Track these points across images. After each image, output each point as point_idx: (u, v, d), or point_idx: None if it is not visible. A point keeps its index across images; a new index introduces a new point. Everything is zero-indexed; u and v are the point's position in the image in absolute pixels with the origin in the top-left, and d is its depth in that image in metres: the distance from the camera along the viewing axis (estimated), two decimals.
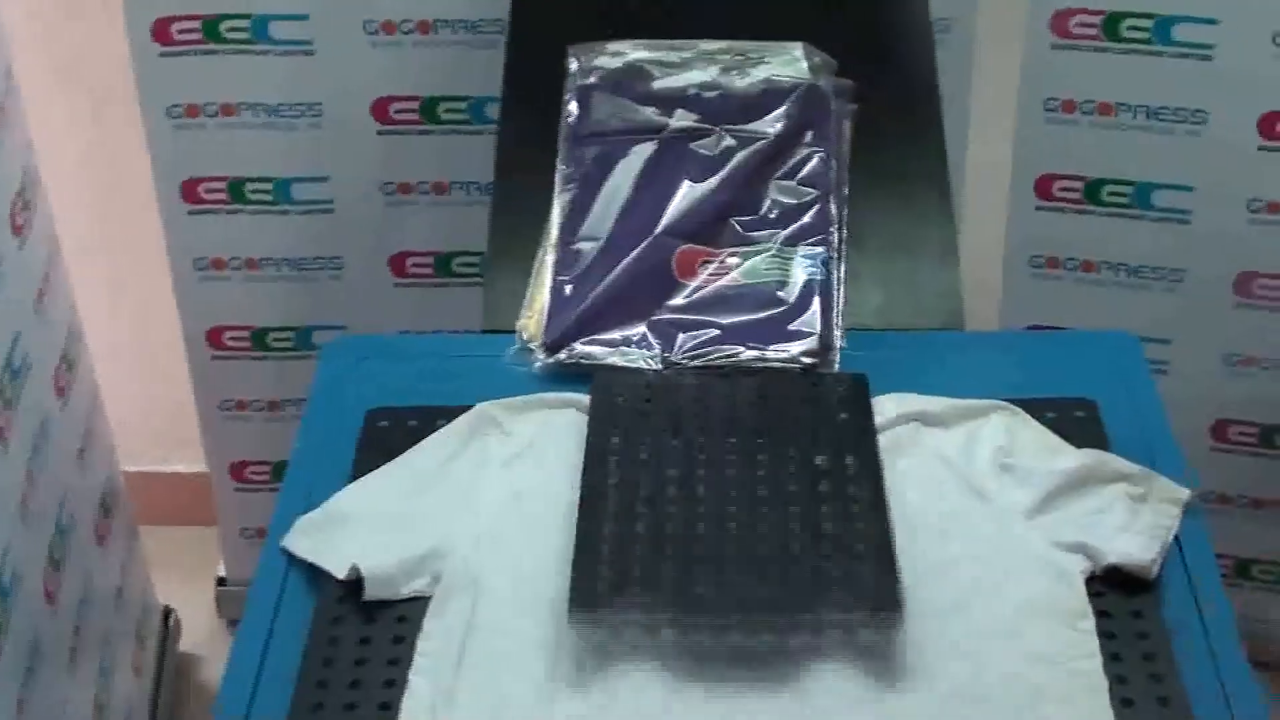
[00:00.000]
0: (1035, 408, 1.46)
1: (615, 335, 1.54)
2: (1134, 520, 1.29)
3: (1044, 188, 2.10)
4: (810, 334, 1.52)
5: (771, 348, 1.51)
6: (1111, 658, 1.21)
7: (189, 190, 2.16)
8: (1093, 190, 2.08)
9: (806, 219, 1.60)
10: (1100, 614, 1.24)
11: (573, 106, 1.67)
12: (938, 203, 1.70)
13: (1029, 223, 2.12)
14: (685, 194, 1.61)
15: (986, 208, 2.17)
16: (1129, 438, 1.44)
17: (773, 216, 1.60)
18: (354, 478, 1.44)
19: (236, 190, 2.16)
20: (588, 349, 1.54)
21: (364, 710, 1.21)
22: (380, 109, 2.10)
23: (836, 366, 1.52)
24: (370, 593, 1.28)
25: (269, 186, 2.16)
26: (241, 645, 1.32)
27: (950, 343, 1.60)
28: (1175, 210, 2.05)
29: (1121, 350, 1.59)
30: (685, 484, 1.34)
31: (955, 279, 1.67)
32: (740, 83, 1.65)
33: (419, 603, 1.29)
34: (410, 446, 1.46)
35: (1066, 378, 1.54)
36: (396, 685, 1.23)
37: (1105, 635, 1.22)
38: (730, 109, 1.65)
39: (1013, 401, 1.47)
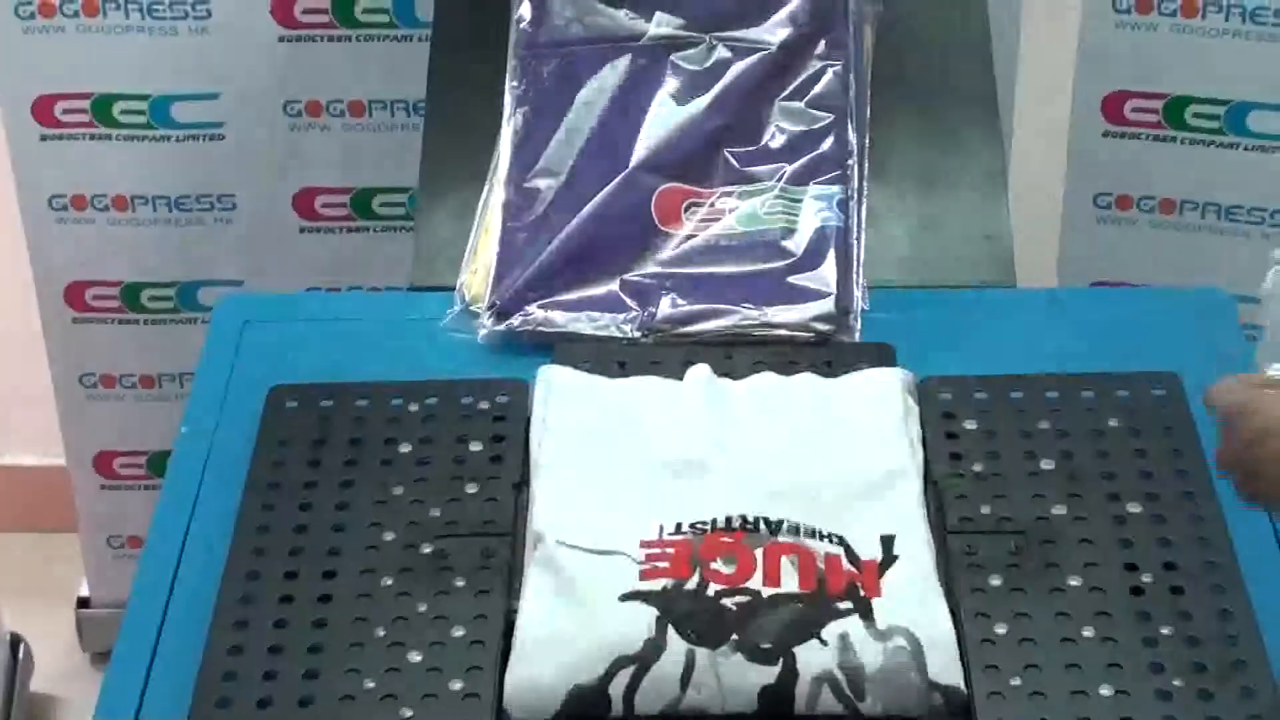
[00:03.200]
0: (1104, 384, 1.49)
1: (580, 296, 1.55)
2: None
3: (1114, 107, 2.11)
4: (825, 294, 1.53)
5: (776, 312, 1.52)
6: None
7: (42, 110, 2.16)
8: (1174, 111, 2.10)
9: (819, 150, 1.61)
10: None
11: (525, 8, 1.68)
12: (982, 126, 1.72)
13: (1095, 151, 2.14)
14: (666, 119, 1.62)
15: (1043, 131, 2.19)
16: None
17: (776, 147, 1.61)
18: (256, 466, 1.45)
19: (102, 110, 2.16)
20: (546, 313, 1.55)
21: None
22: (282, 7, 2.11)
23: (858, 336, 1.54)
24: None
25: (143, 105, 2.16)
26: (113, 686, 1.33)
27: (997, 303, 1.62)
28: (1276, 137, 2.07)
29: (1210, 311, 1.61)
30: None
31: (1004, 222, 1.68)
32: None
33: (331, 634, 1.31)
34: (322, 430, 1.48)
35: (1142, 346, 1.56)
36: None
37: None
38: (723, 11, 1.66)
39: (1077, 376, 1.49)
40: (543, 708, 1.26)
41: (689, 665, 1.26)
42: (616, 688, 1.26)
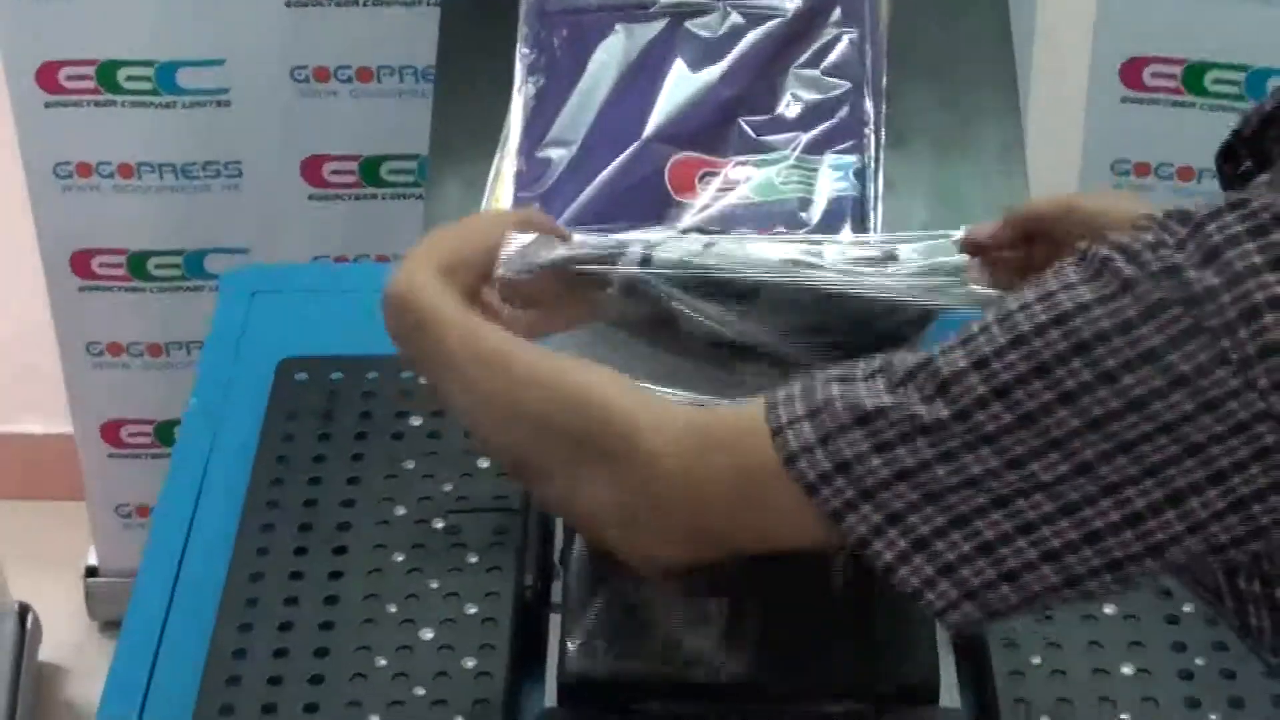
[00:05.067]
0: None
1: None
2: None
3: (1132, 73, 2.11)
4: None
5: None
6: None
7: (47, 76, 2.15)
8: (1194, 76, 2.09)
9: (834, 119, 1.60)
10: None
11: None
12: (999, 94, 1.71)
13: (1113, 118, 2.13)
14: (680, 88, 1.61)
15: (1060, 98, 2.18)
16: None
17: (792, 116, 1.60)
18: (265, 440, 1.44)
19: (108, 76, 2.15)
20: None
21: None
22: None
23: None
24: None
25: (148, 72, 2.15)
26: (124, 656, 1.33)
27: None
28: None
29: None
30: None
31: (1021, 191, 1.67)
32: None
33: (343, 611, 1.30)
34: (332, 404, 1.47)
35: None
36: (319, 712, 1.24)
37: None
38: None
39: None
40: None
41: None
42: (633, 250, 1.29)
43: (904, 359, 1.03)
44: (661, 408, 1.12)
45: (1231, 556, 0.97)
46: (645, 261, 1.34)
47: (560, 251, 1.34)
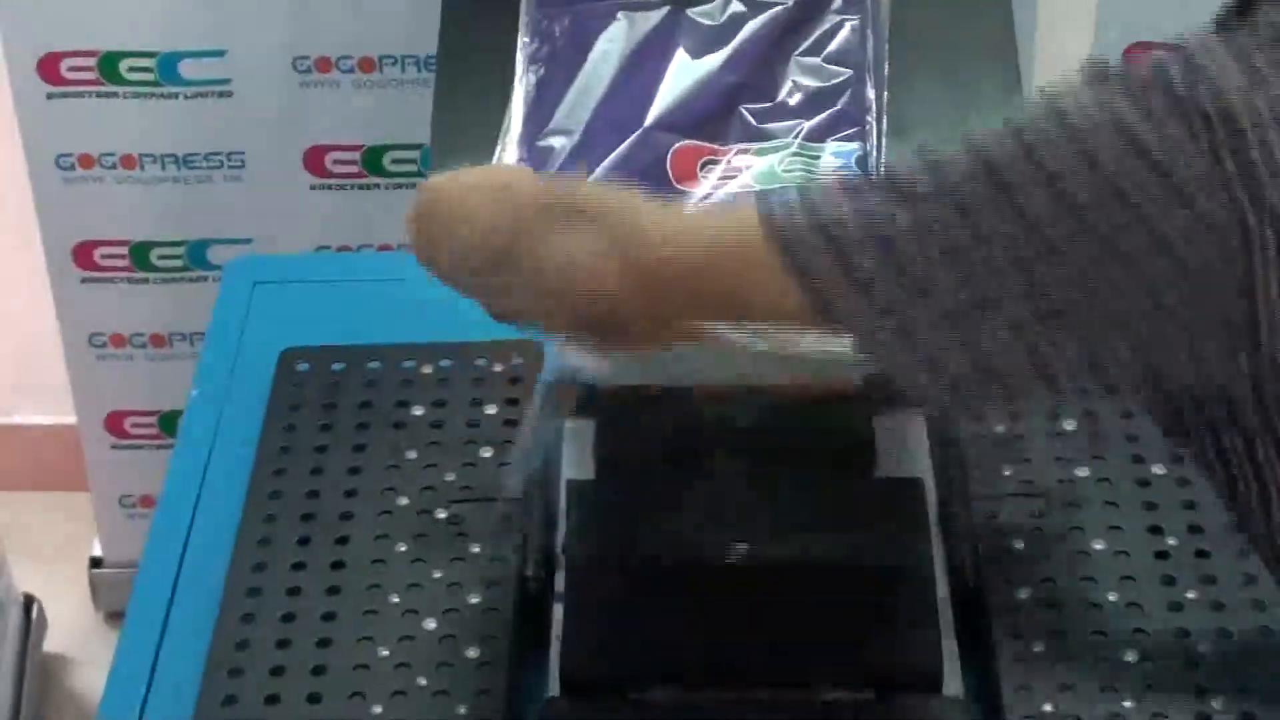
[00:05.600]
0: None
1: None
2: None
3: (1135, 61, 2.10)
4: None
5: None
6: None
7: (49, 67, 2.15)
8: None
9: (836, 106, 1.60)
10: None
11: None
12: (1001, 82, 1.70)
13: None
14: (682, 76, 1.61)
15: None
16: None
17: (794, 104, 1.60)
18: (268, 430, 1.44)
19: (109, 67, 2.15)
20: None
21: None
22: None
23: None
24: None
25: (150, 63, 2.15)
26: (128, 647, 1.33)
27: None
28: None
29: None
30: None
31: None
32: None
33: (346, 601, 1.30)
34: (334, 393, 1.47)
35: None
36: (321, 703, 1.24)
37: None
38: None
39: None
40: None
41: None
42: None
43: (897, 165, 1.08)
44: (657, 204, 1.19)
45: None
46: None
47: None
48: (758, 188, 1.55)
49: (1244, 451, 1.05)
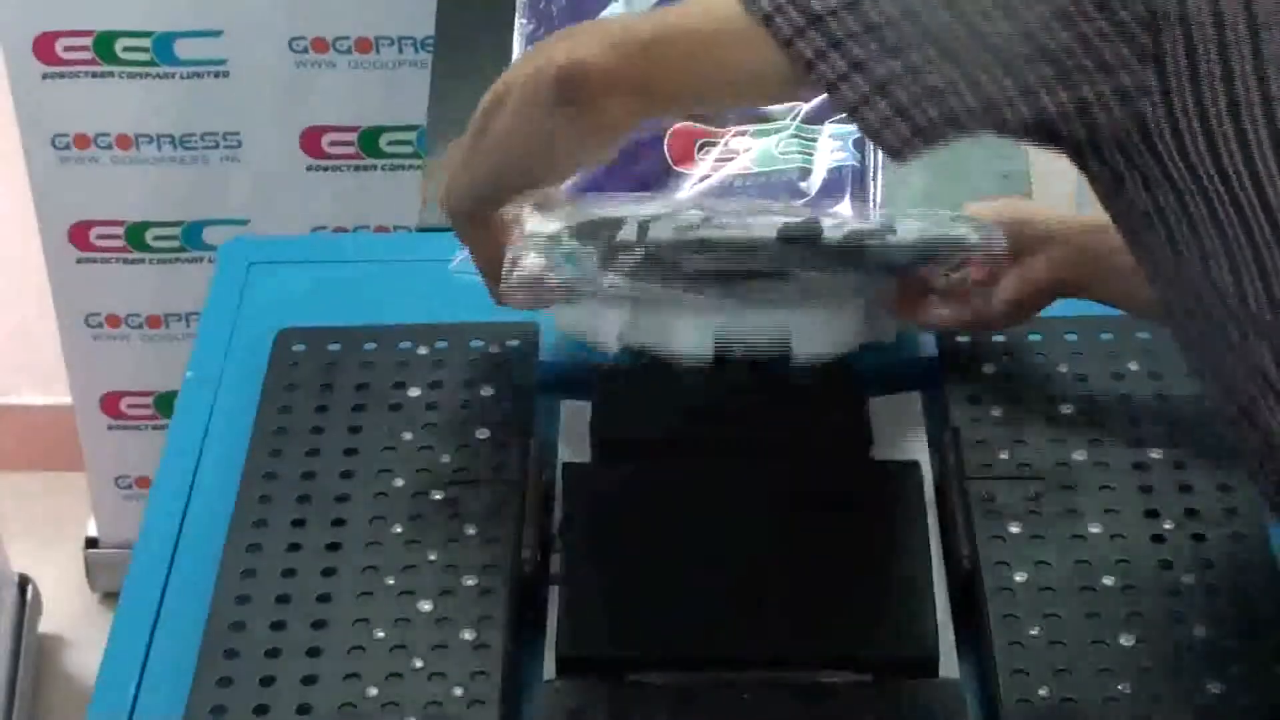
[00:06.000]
0: (1124, 326, 1.47)
1: None
2: None
3: None
4: None
5: None
6: None
7: (44, 47, 2.14)
8: None
9: None
10: None
11: None
12: None
13: None
14: None
15: None
16: None
17: None
18: (263, 411, 1.44)
19: (105, 47, 2.15)
20: None
21: (277, 713, 1.22)
22: None
23: None
24: None
25: (146, 43, 2.15)
26: (122, 628, 1.33)
27: None
28: None
29: None
30: None
31: (1021, 160, 1.67)
32: None
33: (341, 583, 1.30)
34: (330, 375, 1.46)
35: None
36: (316, 684, 1.23)
37: None
38: None
39: (1095, 317, 1.48)
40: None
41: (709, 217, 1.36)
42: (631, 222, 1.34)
43: None
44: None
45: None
46: (641, 235, 1.34)
47: (563, 222, 1.35)
48: (756, 170, 1.55)
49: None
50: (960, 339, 1.47)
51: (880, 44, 1.09)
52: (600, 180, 1.55)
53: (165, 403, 2.37)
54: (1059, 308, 1.48)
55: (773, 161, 1.56)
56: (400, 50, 2.15)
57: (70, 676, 2.50)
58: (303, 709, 1.22)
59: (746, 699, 1.23)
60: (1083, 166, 1.16)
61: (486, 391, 1.45)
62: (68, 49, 2.14)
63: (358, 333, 1.50)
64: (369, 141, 2.22)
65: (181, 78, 2.16)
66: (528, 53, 1.39)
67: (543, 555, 1.33)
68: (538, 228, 1.36)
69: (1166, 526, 1.33)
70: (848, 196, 1.53)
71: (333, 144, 2.21)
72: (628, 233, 1.35)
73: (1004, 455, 1.38)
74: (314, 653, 1.26)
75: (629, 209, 1.39)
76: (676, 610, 1.28)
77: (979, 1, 1.08)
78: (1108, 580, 1.29)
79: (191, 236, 2.28)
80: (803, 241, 1.35)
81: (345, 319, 1.53)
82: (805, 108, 1.58)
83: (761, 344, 1.41)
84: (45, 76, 2.15)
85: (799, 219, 1.37)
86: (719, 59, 1.16)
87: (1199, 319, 1.15)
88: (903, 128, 1.11)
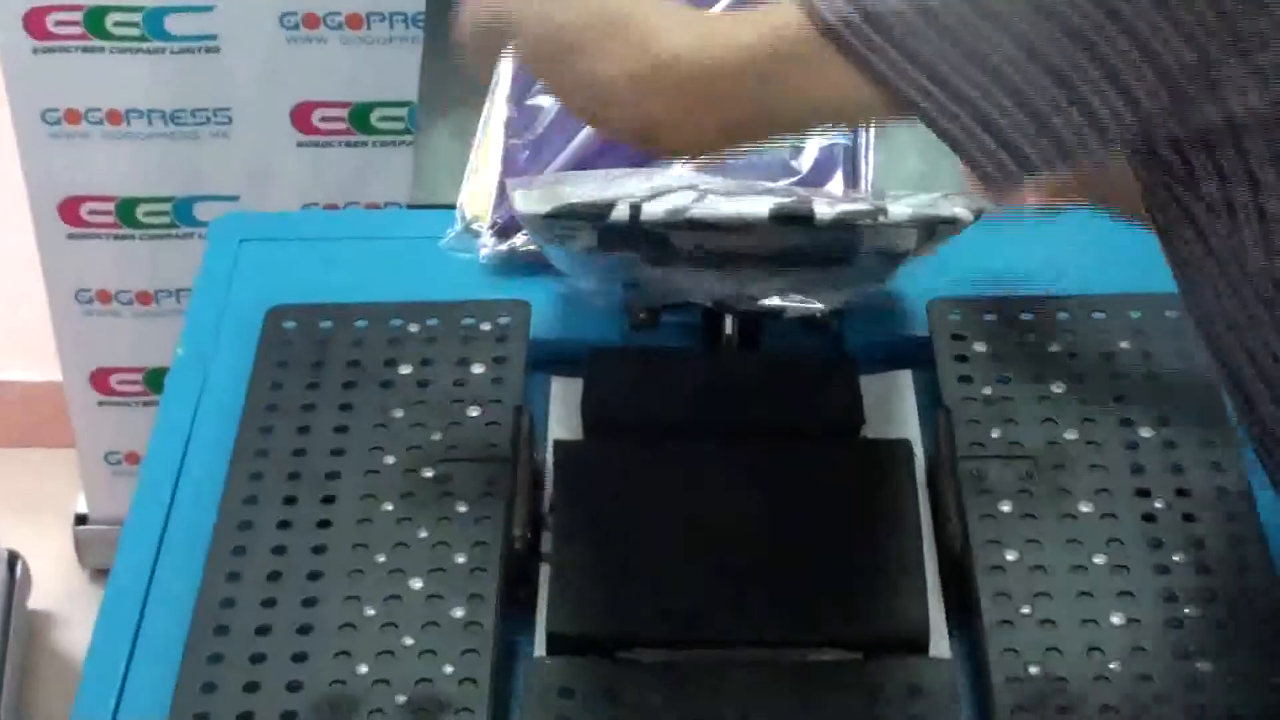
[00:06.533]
0: (1116, 305, 1.47)
1: None
2: None
3: None
4: None
5: None
6: None
7: (35, 22, 2.14)
8: None
9: None
10: None
11: None
12: None
13: None
14: None
15: None
16: None
17: None
18: (254, 389, 1.44)
19: (95, 22, 2.14)
20: None
21: (267, 691, 1.22)
22: None
23: None
24: None
25: (136, 18, 2.14)
26: (112, 604, 1.32)
27: (1018, 225, 1.60)
28: None
29: None
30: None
31: None
32: None
33: (331, 560, 1.30)
34: (321, 352, 1.46)
35: (1153, 266, 1.53)
36: (307, 661, 1.23)
37: None
38: None
39: (1090, 299, 1.47)
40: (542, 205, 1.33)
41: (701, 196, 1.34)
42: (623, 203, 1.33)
43: None
44: (690, 11, 1.13)
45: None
46: (634, 216, 1.34)
47: (558, 202, 1.35)
48: None
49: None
50: (953, 315, 1.47)
51: (976, 65, 1.01)
52: (591, 157, 1.55)
53: (155, 379, 2.37)
54: (1050, 287, 1.48)
55: None
56: (391, 26, 2.15)
57: (60, 653, 2.50)
58: (293, 686, 1.22)
59: (737, 677, 1.23)
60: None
61: (478, 369, 1.45)
62: (59, 24, 2.13)
63: (349, 310, 1.50)
64: (360, 117, 2.21)
65: (172, 53, 2.15)
66: None
67: (533, 533, 1.33)
68: (529, 208, 1.36)
69: (1157, 506, 1.33)
70: (839, 175, 1.53)
71: (324, 120, 2.21)
72: (620, 214, 1.35)
73: (995, 434, 1.38)
74: (304, 630, 1.26)
75: (619, 187, 1.38)
76: (667, 588, 1.28)
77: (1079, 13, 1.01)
78: (1098, 559, 1.29)
79: (182, 212, 2.27)
80: (795, 221, 1.35)
81: (336, 296, 1.52)
82: None
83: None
84: (36, 51, 2.14)
85: (791, 199, 1.37)
86: (795, 87, 1.07)
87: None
88: (1008, 161, 1.04)
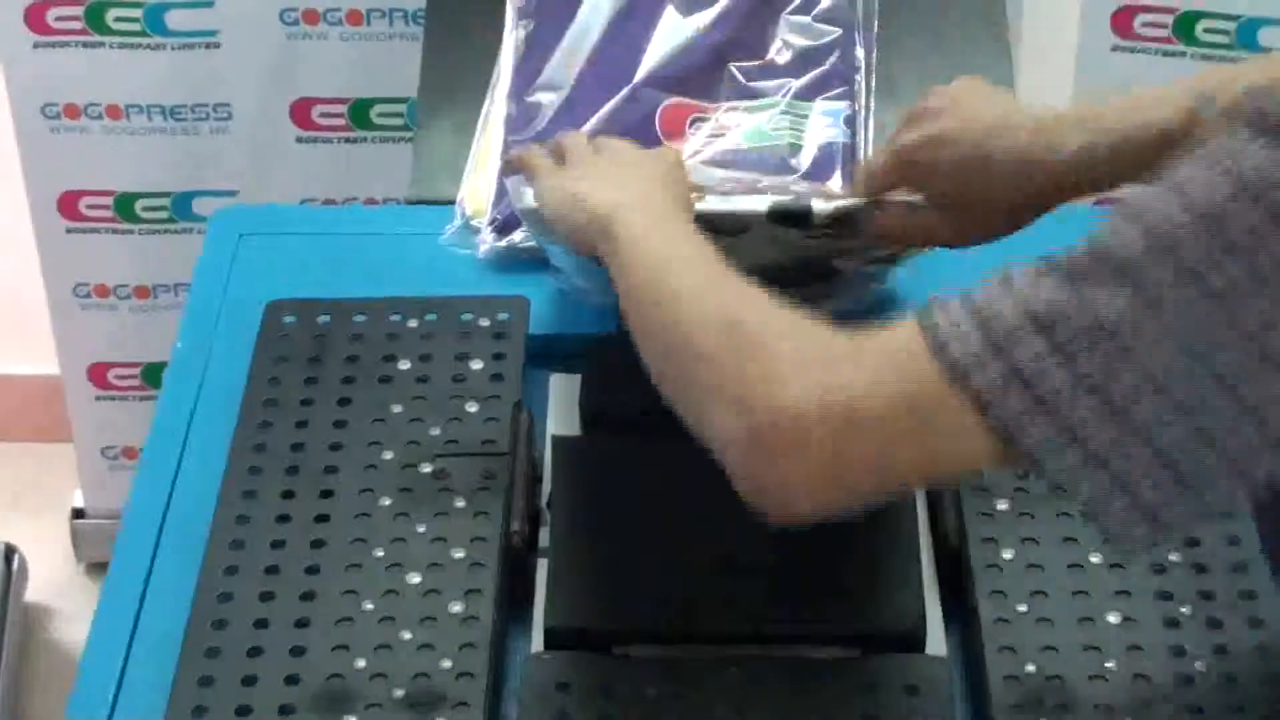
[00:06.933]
0: None
1: None
2: None
3: (1124, 21, 2.10)
4: None
5: None
6: None
7: (35, 16, 2.14)
8: (1185, 25, 2.08)
9: (825, 65, 1.60)
10: None
11: None
12: (990, 40, 1.70)
13: (1104, 65, 2.12)
14: (671, 33, 1.61)
15: (1052, 46, 2.17)
16: None
17: (783, 62, 1.60)
18: (253, 383, 1.44)
19: (95, 16, 2.14)
20: None
21: (265, 684, 1.22)
22: None
23: None
24: None
25: (137, 13, 2.14)
26: (110, 598, 1.32)
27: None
28: None
29: None
30: None
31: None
32: None
33: (330, 555, 1.30)
34: (320, 347, 1.46)
35: None
36: (305, 656, 1.23)
37: None
38: None
39: None
40: None
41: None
42: None
43: (1069, 250, 0.95)
44: (810, 344, 1.02)
45: None
46: None
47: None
48: (747, 146, 1.55)
49: None
50: None
51: (1117, 421, 0.93)
52: None
53: (153, 374, 2.37)
54: None
55: (764, 138, 1.56)
56: (391, 22, 2.15)
57: (56, 646, 2.50)
58: (291, 679, 1.22)
59: (733, 673, 1.23)
60: None
61: (476, 364, 1.45)
62: (59, 19, 2.13)
63: (347, 305, 1.50)
64: (359, 113, 2.21)
65: (172, 48, 2.16)
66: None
67: (531, 528, 1.34)
68: (529, 204, 1.36)
69: None
70: (838, 172, 1.54)
71: (323, 116, 2.21)
72: None
73: None
74: (302, 624, 1.26)
75: None
76: (664, 584, 1.28)
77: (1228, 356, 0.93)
78: (1095, 558, 1.29)
79: (181, 207, 2.27)
80: (793, 219, 1.35)
81: (335, 291, 1.52)
82: (797, 83, 1.59)
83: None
84: (36, 46, 2.15)
85: (789, 197, 1.37)
86: (921, 443, 0.99)
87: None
88: (1144, 531, 0.97)
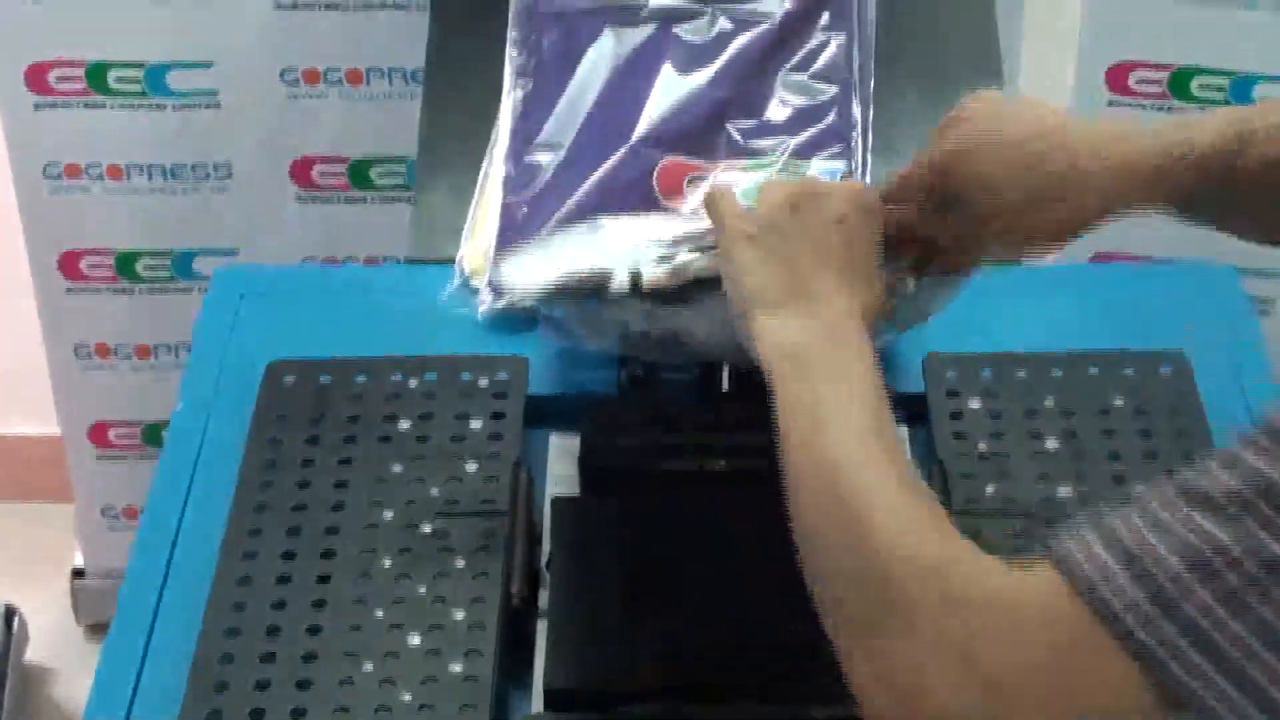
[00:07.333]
0: (1110, 362, 1.48)
1: None
2: None
3: (1118, 79, 2.10)
4: None
5: None
6: None
7: (36, 77, 2.15)
8: (1180, 82, 2.09)
9: (823, 124, 1.60)
10: None
11: None
12: None
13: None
14: (669, 92, 1.61)
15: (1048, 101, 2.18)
16: (1228, 397, 1.46)
17: (780, 120, 1.60)
18: (253, 443, 1.44)
19: (96, 77, 2.15)
20: None
21: None
22: None
23: None
24: None
25: (138, 74, 2.15)
26: (111, 658, 1.33)
27: (1000, 279, 1.61)
28: None
29: (1216, 286, 1.60)
30: None
31: None
32: None
33: (330, 615, 1.30)
34: (320, 406, 1.47)
35: (1148, 323, 1.55)
36: (305, 717, 1.24)
37: None
38: None
39: (1082, 353, 1.48)
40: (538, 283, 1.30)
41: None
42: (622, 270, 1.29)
43: (1213, 475, 0.88)
44: (961, 586, 0.97)
45: None
46: (634, 285, 1.34)
47: (554, 277, 1.34)
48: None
49: None
50: (948, 371, 1.48)
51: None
52: (588, 213, 1.56)
53: (153, 433, 2.37)
54: (1044, 343, 1.49)
55: None
56: (391, 82, 2.16)
57: (56, 707, 2.49)
58: None
59: None
60: None
61: (476, 424, 1.45)
62: (60, 79, 2.14)
63: (348, 364, 1.51)
64: (359, 173, 2.22)
65: (173, 108, 2.17)
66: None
67: (531, 588, 1.34)
68: (525, 284, 1.35)
69: None
70: None
71: (323, 175, 2.22)
72: (619, 284, 1.34)
73: (990, 490, 1.38)
74: (304, 685, 1.26)
75: (610, 243, 1.38)
76: (664, 643, 1.28)
77: None
78: None
79: (181, 266, 2.28)
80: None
81: (336, 351, 1.53)
82: (794, 141, 1.59)
83: None
84: (37, 106, 2.16)
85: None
86: (1068, 685, 0.91)
87: None
88: None
